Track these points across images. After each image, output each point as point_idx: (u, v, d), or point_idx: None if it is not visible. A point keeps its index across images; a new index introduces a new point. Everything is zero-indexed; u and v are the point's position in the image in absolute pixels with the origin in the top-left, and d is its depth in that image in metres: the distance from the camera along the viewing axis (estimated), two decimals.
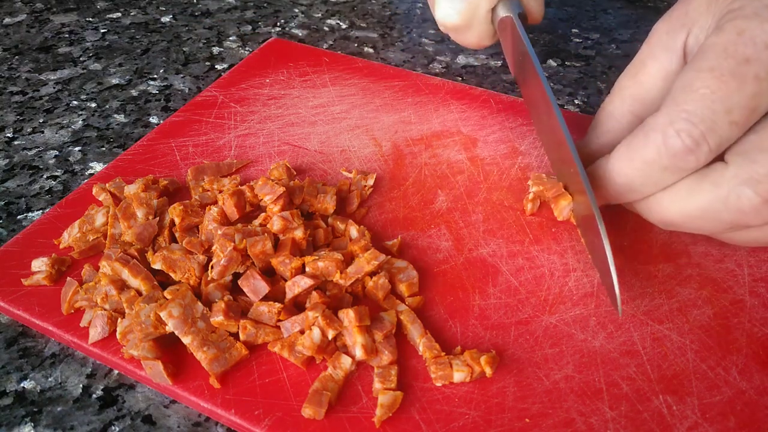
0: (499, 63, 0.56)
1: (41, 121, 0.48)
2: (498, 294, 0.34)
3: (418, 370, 0.31)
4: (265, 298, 0.32)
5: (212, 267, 0.32)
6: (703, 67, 0.30)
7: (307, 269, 0.33)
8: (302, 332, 0.31)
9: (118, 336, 0.31)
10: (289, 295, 0.32)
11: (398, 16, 0.63)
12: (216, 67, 0.55)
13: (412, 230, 0.38)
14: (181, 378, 0.30)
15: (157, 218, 0.36)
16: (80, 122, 0.48)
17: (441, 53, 0.57)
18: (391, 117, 0.46)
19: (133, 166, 0.42)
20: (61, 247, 0.36)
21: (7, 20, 0.61)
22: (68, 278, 0.33)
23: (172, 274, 0.33)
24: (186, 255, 0.33)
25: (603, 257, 0.32)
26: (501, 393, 0.30)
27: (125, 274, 0.32)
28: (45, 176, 0.43)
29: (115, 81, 0.53)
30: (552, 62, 0.57)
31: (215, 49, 0.57)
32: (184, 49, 0.57)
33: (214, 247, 0.33)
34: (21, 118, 0.48)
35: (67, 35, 0.59)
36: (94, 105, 0.50)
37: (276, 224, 0.34)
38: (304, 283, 0.31)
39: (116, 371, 0.32)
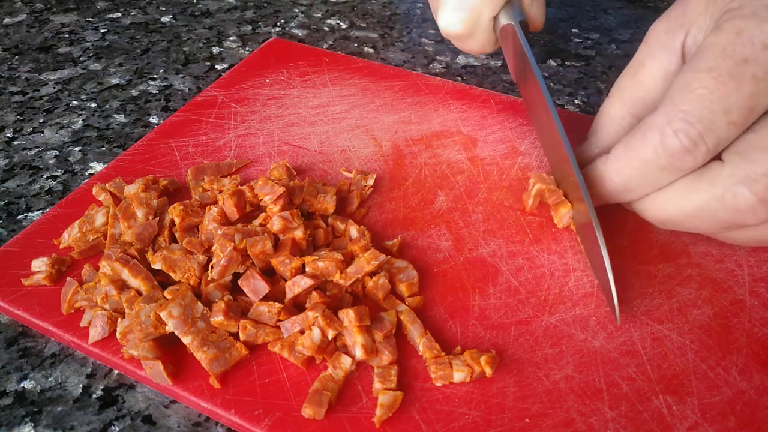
0: (499, 63, 0.56)
1: (41, 121, 0.48)
2: (498, 294, 0.34)
3: (418, 370, 0.31)
4: (265, 298, 0.32)
5: (212, 267, 0.32)
6: (701, 67, 0.30)
7: (307, 269, 0.33)
8: (302, 332, 0.31)
9: (118, 336, 0.31)
10: (289, 295, 0.32)
11: (398, 16, 0.63)
12: (216, 67, 0.55)
13: (412, 230, 0.38)
14: (181, 378, 0.30)
15: (157, 218, 0.36)
16: (80, 122, 0.48)
17: (441, 53, 0.57)
18: (391, 117, 0.46)
19: (133, 166, 0.42)
20: (61, 247, 0.36)
21: (7, 20, 0.61)
22: (68, 278, 0.33)
23: (172, 274, 0.33)
24: (186, 255, 0.33)
25: (601, 265, 0.32)
26: (501, 393, 0.30)
27: (125, 274, 0.32)
28: (45, 176, 0.43)
29: (115, 81, 0.53)
30: (552, 62, 0.57)
31: (215, 49, 0.57)
32: (184, 49, 0.57)
33: (214, 247, 0.33)
34: (21, 118, 0.48)
35: (67, 35, 0.59)
36: (94, 105, 0.50)
37: (276, 224, 0.34)
38: (304, 283, 0.31)
39: (116, 371, 0.32)
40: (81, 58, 0.55)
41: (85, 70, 0.54)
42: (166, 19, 0.62)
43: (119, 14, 0.62)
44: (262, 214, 0.35)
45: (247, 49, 0.57)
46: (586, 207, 0.33)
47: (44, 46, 0.57)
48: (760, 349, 0.32)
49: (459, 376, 0.30)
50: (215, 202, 0.37)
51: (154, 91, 0.52)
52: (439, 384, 0.30)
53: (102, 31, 0.59)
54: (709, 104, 0.30)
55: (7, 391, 0.31)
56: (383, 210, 0.39)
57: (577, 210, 0.36)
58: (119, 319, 0.31)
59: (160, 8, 0.63)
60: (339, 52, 0.56)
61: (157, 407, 0.31)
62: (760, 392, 0.30)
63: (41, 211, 0.41)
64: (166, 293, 0.31)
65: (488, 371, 0.30)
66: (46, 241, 0.36)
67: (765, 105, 0.30)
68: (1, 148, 0.45)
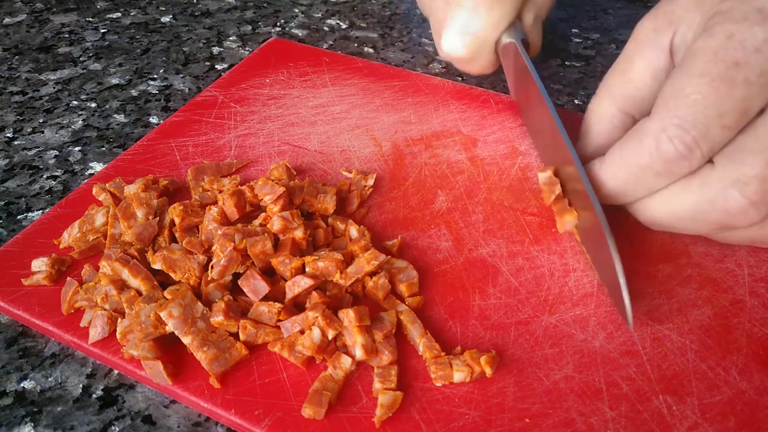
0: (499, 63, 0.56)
1: (41, 121, 0.48)
2: (498, 294, 0.34)
3: (418, 370, 0.31)
4: (265, 298, 0.32)
5: (212, 267, 0.32)
6: (693, 72, 0.30)
7: (307, 269, 0.33)
8: (302, 332, 0.31)
9: (118, 336, 0.31)
10: (289, 295, 0.32)
11: (398, 16, 0.63)
12: (216, 67, 0.55)
13: (412, 230, 0.38)
14: (181, 378, 0.30)
15: (157, 218, 0.36)
16: (80, 122, 0.48)
17: None
18: (391, 117, 0.46)
19: (133, 166, 0.42)
20: (61, 247, 0.36)
21: (7, 20, 0.61)
22: (68, 278, 0.33)
23: (172, 274, 0.33)
24: (186, 255, 0.33)
25: (613, 275, 0.32)
26: (501, 393, 0.30)
27: (125, 274, 0.32)
28: (45, 176, 0.43)
29: (115, 81, 0.53)
30: (552, 62, 0.57)
31: (215, 49, 0.57)
32: (184, 49, 0.57)
33: (214, 247, 0.33)
34: (21, 118, 0.48)
35: (67, 35, 0.59)
36: (94, 105, 0.50)
37: (276, 224, 0.34)
38: (304, 283, 0.31)
39: (116, 371, 0.32)
40: (81, 58, 0.55)
41: (85, 70, 0.54)
42: (166, 19, 0.62)
43: (119, 14, 0.62)
44: (262, 214, 0.35)
45: (247, 49, 0.57)
46: (591, 215, 0.33)
47: (44, 46, 0.57)
48: (760, 349, 0.32)
49: (459, 376, 0.30)
50: (215, 202, 0.37)
51: (154, 91, 0.52)
52: (439, 384, 0.30)
53: (102, 31, 0.59)
54: (703, 110, 0.30)
55: (7, 391, 0.31)
56: (383, 210, 0.39)
57: (582, 218, 0.36)
58: (119, 319, 0.31)
59: (160, 8, 0.63)
60: (339, 52, 0.56)
61: (157, 407, 0.31)
62: (760, 392, 0.30)
63: (41, 211, 0.41)
64: (166, 293, 0.31)
65: (488, 371, 0.30)
66: (46, 241, 0.36)
67: (757, 107, 0.30)
68: (1, 148, 0.45)
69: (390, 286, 0.33)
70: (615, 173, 0.33)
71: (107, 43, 0.58)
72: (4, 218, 0.40)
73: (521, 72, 0.41)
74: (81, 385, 0.31)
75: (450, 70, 0.55)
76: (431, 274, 0.35)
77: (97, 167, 0.44)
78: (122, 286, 0.32)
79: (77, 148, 0.46)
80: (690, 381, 0.30)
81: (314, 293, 0.32)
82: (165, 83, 0.53)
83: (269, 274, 0.33)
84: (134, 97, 0.51)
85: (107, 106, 0.50)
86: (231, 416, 0.29)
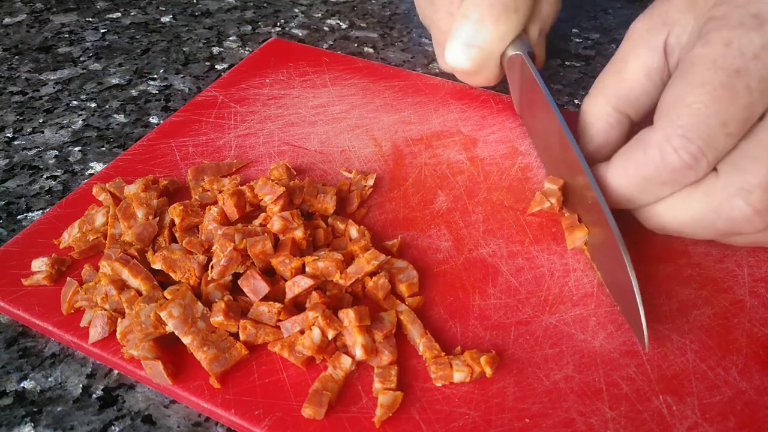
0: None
1: (41, 121, 0.48)
2: (498, 294, 0.34)
3: (418, 370, 0.31)
4: (265, 298, 0.32)
5: (212, 267, 0.32)
6: (694, 81, 0.30)
7: (307, 269, 0.33)
8: (302, 332, 0.31)
9: (118, 336, 0.31)
10: (289, 295, 0.32)
11: (398, 16, 0.63)
12: (216, 67, 0.55)
13: (412, 230, 0.38)
14: (181, 378, 0.30)
15: (157, 218, 0.36)
16: (80, 122, 0.48)
17: None
18: (391, 117, 0.46)
19: (133, 166, 0.42)
20: (61, 247, 0.36)
21: (7, 20, 0.61)
22: (68, 278, 0.33)
23: (172, 274, 0.33)
24: (186, 255, 0.33)
25: (630, 299, 0.31)
26: (501, 393, 0.30)
27: (125, 274, 0.32)
28: (45, 176, 0.43)
29: (115, 81, 0.53)
30: (552, 62, 0.57)
31: (215, 49, 0.57)
32: (184, 49, 0.57)
33: (214, 247, 0.33)
34: (21, 118, 0.48)
35: (67, 35, 0.59)
36: (94, 105, 0.50)
37: (276, 224, 0.34)
38: (304, 283, 0.31)
39: (116, 371, 0.32)
40: (81, 58, 0.55)
41: (85, 70, 0.54)
42: (166, 19, 0.62)
43: (119, 14, 0.62)
44: (262, 214, 0.35)
45: (247, 49, 0.57)
46: (604, 232, 0.33)
47: (44, 46, 0.57)
48: (760, 349, 0.32)
49: (459, 376, 0.30)
50: (215, 202, 0.37)
51: (154, 91, 0.52)
52: (439, 384, 0.30)
53: (102, 31, 0.59)
54: (707, 119, 0.30)
55: (7, 391, 0.31)
56: (383, 210, 0.39)
57: (593, 234, 0.35)
58: (119, 319, 0.31)
59: (160, 8, 0.63)
60: (339, 52, 0.56)
61: (157, 407, 0.31)
62: (760, 392, 0.30)
63: (41, 211, 0.41)
64: (166, 293, 0.31)
65: (488, 371, 0.30)
66: (46, 241, 0.36)
67: (758, 113, 0.30)
68: (1, 148, 0.45)
69: (390, 286, 0.33)
70: (620, 183, 0.33)
71: (107, 43, 0.58)
72: (4, 218, 0.40)
73: (528, 84, 0.41)
74: (81, 385, 0.31)
75: None
76: (431, 274, 0.35)
77: (97, 167, 0.44)
78: (122, 286, 0.32)
79: (77, 148, 0.46)
80: (690, 381, 0.30)
81: (314, 293, 0.32)
82: (165, 83, 0.53)
83: (269, 274, 0.33)
84: (134, 97, 0.51)
85: (107, 106, 0.50)
86: (231, 416, 0.29)
